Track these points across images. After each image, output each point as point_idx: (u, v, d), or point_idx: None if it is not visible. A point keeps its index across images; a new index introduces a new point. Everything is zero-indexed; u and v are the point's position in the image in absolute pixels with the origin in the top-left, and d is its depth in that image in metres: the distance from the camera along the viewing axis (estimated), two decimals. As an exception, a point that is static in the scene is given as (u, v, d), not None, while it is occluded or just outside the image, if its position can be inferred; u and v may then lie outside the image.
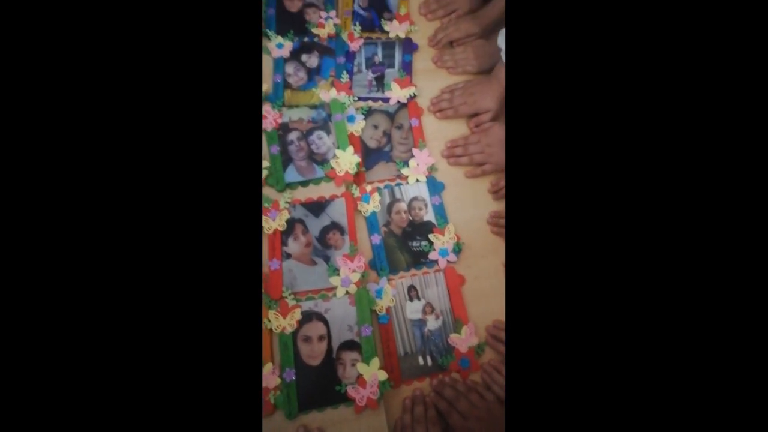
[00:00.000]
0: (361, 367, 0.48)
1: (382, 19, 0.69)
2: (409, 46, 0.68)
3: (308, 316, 0.50)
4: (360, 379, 0.47)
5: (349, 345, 0.49)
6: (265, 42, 0.66)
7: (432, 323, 0.52)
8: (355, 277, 0.52)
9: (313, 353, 0.48)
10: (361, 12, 0.70)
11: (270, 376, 0.47)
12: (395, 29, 0.68)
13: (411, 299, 0.53)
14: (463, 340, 0.51)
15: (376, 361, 0.48)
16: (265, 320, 0.49)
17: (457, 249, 0.55)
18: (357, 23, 0.68)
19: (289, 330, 0.49)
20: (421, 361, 0.51)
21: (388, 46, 0.68)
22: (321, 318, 0.50)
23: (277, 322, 0.49)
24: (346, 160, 0.57)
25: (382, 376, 0.47)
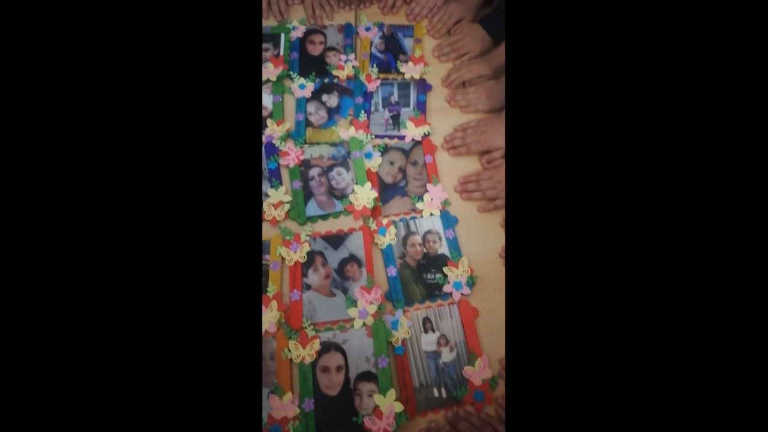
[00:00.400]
0: (377, 399, 0.49)
1: (398, 61, 0.74)
2: (423, 86, 0.72)
3: (327, 347, 0.52)
4: (376, 411, 0.48)
5: (366, 376, 0.51)
6: (288, 83, 0.71)
7: (446, 355, 0.54)
8: (372, 308, 0.53)
9: (332, 383, 0.50)
10: (378, 54, 0.75)
11: (290, 406, 0.48)
12: (410, 70, 0.73)
13: (426, 331, 0.55)
14: (477, 373, 0.52)
15: (392, 393, 0.49)
16: (284, 350, 0.51)
17: (471, 282, 0.57)
18: (374, 65, 0.73)
19: (308, 360, 0.51)
20: (436, 393, 0.52)
21: (404, 86, 0.72)
22: (339, 349, 0.52)
23: (297, 352, 0.51)
24: (364, 195, 0.60)
25: (398, 407, 0.48)
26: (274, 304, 0.53)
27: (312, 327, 0.52)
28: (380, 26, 0.77)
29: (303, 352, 0.51)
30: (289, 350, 0.51)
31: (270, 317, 0.52)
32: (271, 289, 0.54)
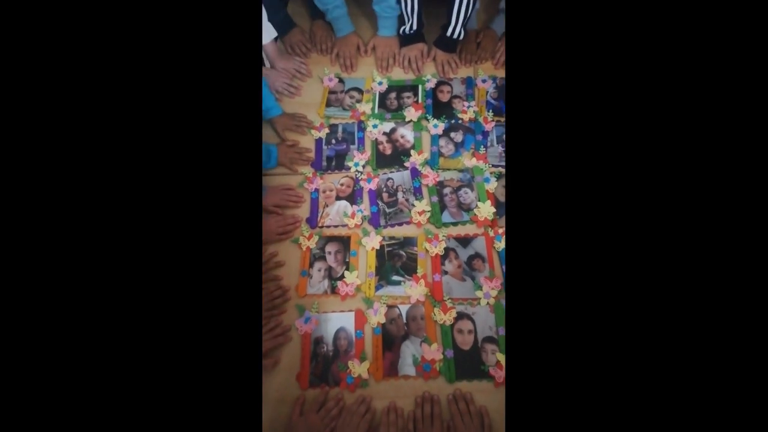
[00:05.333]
0: (499, 356, 0.68)
1: (508, 107, 0.94)
2: (529, 127, 0.91)
3: (461, 316, 0.72)
4: (498, 364, 0.67)
5: (490, 339, 0.70)
6: (424, 123, 0.94)
7: (548, 333, 0.71)
8: (494, 293, 0.73)
9: (464, 341, 0.70)
10: (493, 101, 0.96)
11: (436, 352, 0.69)
12: (518, 115, 0.92)
13: (532, 314, 0.73)
14: (572, 349, 0.69)
15: (508, 353, 0.68)
16: (432, 313, 0.72)
17: (568, 281, 0.74)
18: (490, 110, 0.94)
19: (448, 323, 0.71)
20: (540, 359, 0.69)
21: (513, 127, 0.92)
22: (470, 318, 0.72)
23: (440, 317, 0.71)
24: (485, 210, 0.81)
25: (514, 364, 0.67)
26: (422, 282, 0.75)
27: (450, 300, 0.73)
28: (494, 79, 0.98)
29: (444, 317, 0.71)
30: (435, 314, 0.72)
31: (419, 291, 0.74)
32: (420, 271, 0.76)
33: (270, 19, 0.94)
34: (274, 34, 0.96)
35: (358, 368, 0.69)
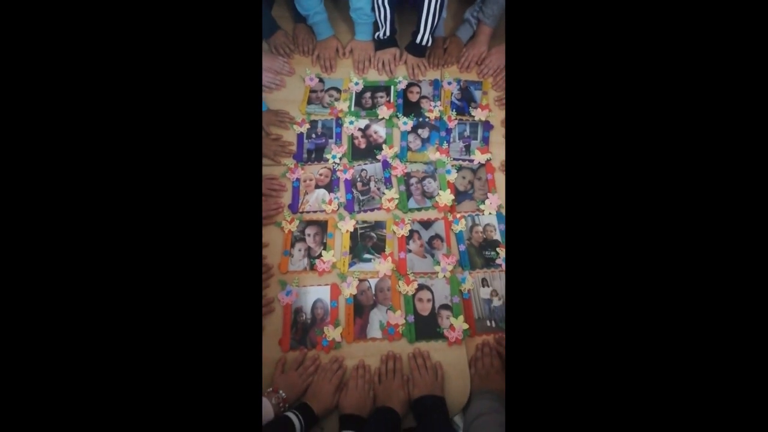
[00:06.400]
0: (452, 320, 0.80)
1: (470, 107, 1.05)
2: (487, 126, 1.03)
3: (421, 287, 0.84)
4: (451, 327, 0.79)
5: (445, 306, 0.82)
6: (395, 120, 1.04)
7: (496, 302, 0.83)
8: (450, 267, 0.85)
9: (424, 308, 0.82)
10: (457, 102, 1.07)
11: (398, 318, 0.80)
12: (479, 114, 1.04)
13: (483, 286, 0.85)
14: (515, 314, 0.82)
15: (461, 318, 0.80)
16: (396, 285, 0.83)
17: (514, 258, 0.86)
18: (453, 110, 1.05)
19: (410, 293, 0.83)
20: (488, 323, 0.82)
21: (474, 125, 1.03)
22: (429, 289, 0.83)
23: (403, 288, 0.83)
24: (445, 197, 0.92)
25: (465, 327, 0.79)
26: (389, 259, 0.86)
27: (412, 274, 0.85)
28: (458, 81, 1.10)
29: (407, 288, 0.83)
30: (399, 286, 0.83)
31: (386, 267, 0.85)
32: (387, 250, 0.87)
33: (255, 23, 1.03)
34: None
35: (332, 333, 0.80)
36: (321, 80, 1.10)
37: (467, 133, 1.03)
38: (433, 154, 0.99)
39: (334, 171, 0.98)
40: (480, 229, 0.91)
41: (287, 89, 1.09)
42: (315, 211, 0.93)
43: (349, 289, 0.84)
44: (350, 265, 0.87)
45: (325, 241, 0.89)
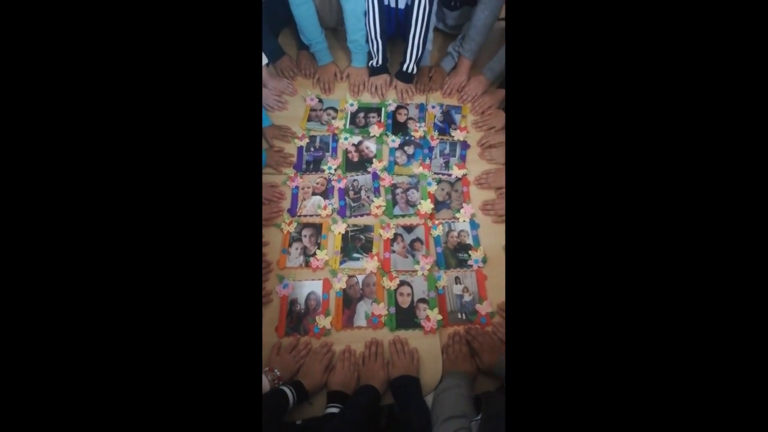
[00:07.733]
0: (428, 312, 0.92)
1: (451, 128, 1.20)
2: (465, 145, 1.17)
3: (403, 283, 0.96)
4: (427, 318, 0.91)
5: (422, 300, 0.94)
6: (385, 138, 1.18)
7: (467, 298, 0.96)
8: (427, 266, 0.97)
9: (404, 301, 0.94)
10: (439, 124, 1.21)
11: (382, 309, 0.92)
12: (458, 135, 1.18)
13: (456, 283, 0.97)
14: (483, 308, 0.94)
15: (436, 310, 0.92)
16: (381, 281, 0.95)
17: (485, 260, 0.99)
18: (436, 131, 1.19)
19: (393, 288, 0.95)
20: (459, 315, 0.94)
21: (453, 144, 1.18)
22: (409, 284, 0.96)
23: (387, 283, 0.95)
24: (426, 206, 1.05)
25: (439, 318, 0.91)
26: (375, 258, 0.98)
27: (395, 271, 0.97)
28: (441, 106, 1.24)
29: (390, 284, 0.95)
30: (383, 282, 0.95)
31: (373, 265, 0.97)
32: (374, 250, 0.99)
33: (264, 48, 1.17)
34: (266, 60, 1.18)
35: (323, 321, 0.91)
36: (320, 100, 1.24)
37: (447, 151, 1.17)
38: (416, 169, 1.12)
39: (329, 180, 1.10)
40: (455, 234, 1.04)
41: (290, 107, 1.22)
42: (311, 215, 1.05)
43: (339, 284, 0.95)
44: (341, 262, 0.98)
45: (319, 241, 1.01)
